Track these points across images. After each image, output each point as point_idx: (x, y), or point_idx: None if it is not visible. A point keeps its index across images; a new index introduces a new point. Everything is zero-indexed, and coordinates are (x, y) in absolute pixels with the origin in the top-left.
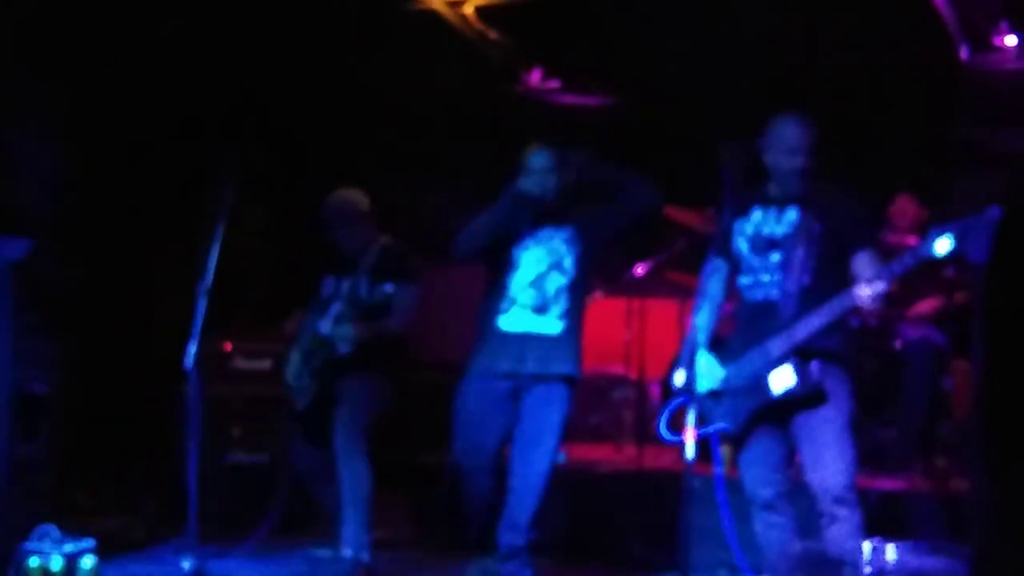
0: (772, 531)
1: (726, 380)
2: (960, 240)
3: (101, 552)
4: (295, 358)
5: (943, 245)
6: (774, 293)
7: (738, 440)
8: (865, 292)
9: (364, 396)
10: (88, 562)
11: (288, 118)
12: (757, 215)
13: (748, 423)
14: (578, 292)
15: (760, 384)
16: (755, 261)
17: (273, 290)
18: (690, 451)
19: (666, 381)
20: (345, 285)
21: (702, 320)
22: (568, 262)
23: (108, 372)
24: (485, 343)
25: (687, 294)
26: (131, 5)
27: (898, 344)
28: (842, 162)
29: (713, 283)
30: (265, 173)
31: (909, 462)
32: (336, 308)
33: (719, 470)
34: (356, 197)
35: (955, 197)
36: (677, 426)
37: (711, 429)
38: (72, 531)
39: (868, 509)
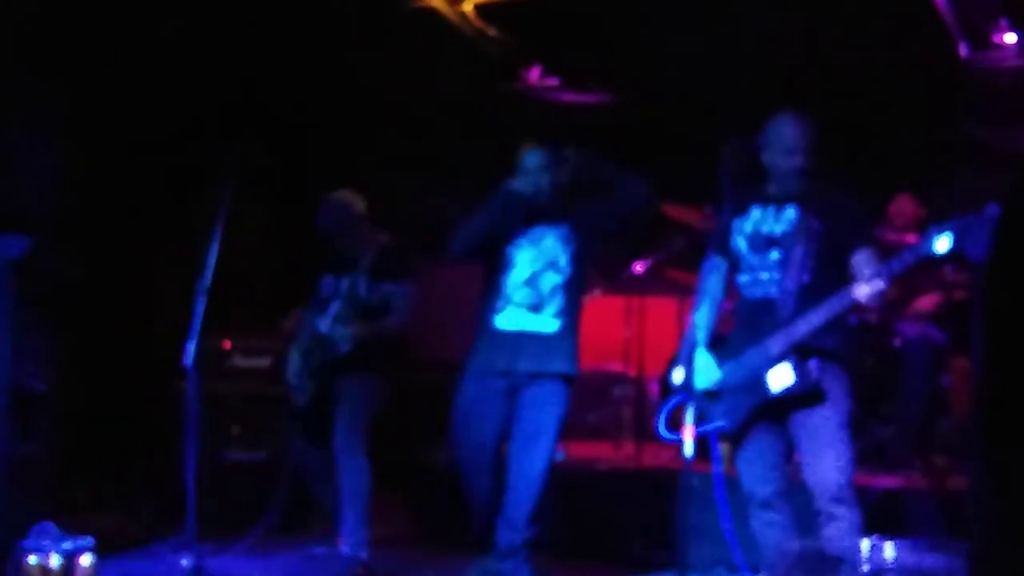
0: (770, 529)
1: (725, 378)
2: (959, 238)
3: (99, 550)
4: (294, 357)
5: (942, 243)
6: (773, 291)
7: (736, 438)
8: (864, 290)
9: (363, 395)
10: (86, 560)
11: (287, 116)
12: (756, 214)
13: (746, 421)
14: (574, 290)
15: (759, 382)
16: (754, 259)
17: (272, 289)
18: (689, 449)
19: (665, 379)
20: (344, 284)
21: (701, 318)
22: (563, 260)
23: (107, 370)
24: (481, 342)
25: (686, 292)
26: (131, 5)
27: (897, 342)
28: (842, 161)
29: (712, 281)
30: (264, 171)
31: (907, 460)
32: (335, 307)
33: (718, 468)
34: (350, 200)
35: (955, 195)
36: (676, 424)
37: (710, 427)
38: (70, 529)
39: (866, 507)
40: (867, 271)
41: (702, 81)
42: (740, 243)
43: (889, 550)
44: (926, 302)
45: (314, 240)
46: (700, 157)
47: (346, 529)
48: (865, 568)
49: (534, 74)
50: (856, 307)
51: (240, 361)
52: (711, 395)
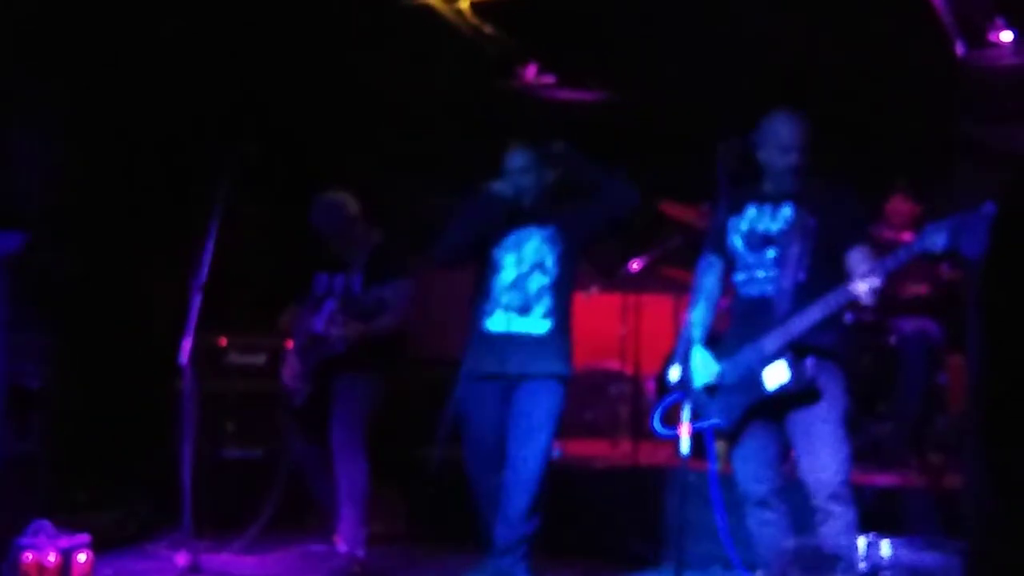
0: (765, 528)
1: (721, 376)
2: (955, 236)
3: (96, 547)
4: (291, 357)
5: (938, 240)
6: (769, 289)
7: (732, 436)
8: (862, 287)
9: (360, 394)
10: (83, 557)
11: (285, 115)
12: (752, 212)
13: (742, 419)
14: (561, 291)
15: (754, 380)
16: (750, 257)
17: (269, 286)
18: (685, 447)
19: (661, 377)
20: (338, 282)
21: (697, 316)
22: (549, 261)
23: (103, 367)
24: (472, 345)
25: (682, 290)
26: (131, 5)
27: (892, 339)
28: (840, 159)
29: (708, 279)
30: (262, 170)
31: (904, 457)
32: (330, 306)
33: (713, 466)
34: (343, 200)
35: (952, 193)
36: (672, 422)
37: (706, 425)
38: (67, 526)
39: (863, 505)
40: (862, 268)
41: (698, 78)
42: (736, 241)
43: (885, 548)
44: (919, 289)
45: (310, 237)
46: (697, 155)
47: (343, 527)
48: (861, 566)
49: (530, 72)
50: (852, 305)
51: (236, 358)
52: (707, 393)
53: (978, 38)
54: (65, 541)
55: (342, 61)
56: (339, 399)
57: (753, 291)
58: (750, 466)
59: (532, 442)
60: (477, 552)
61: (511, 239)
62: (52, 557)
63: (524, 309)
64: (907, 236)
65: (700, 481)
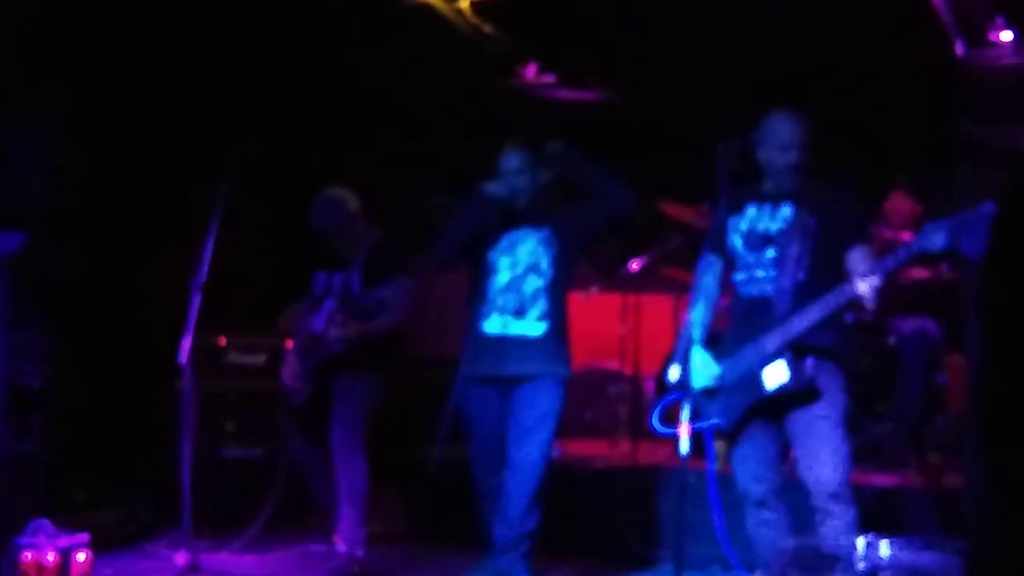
0: (764, 528)
1: (720, 376)
2: (954, 235)
3: (95, 547)
4: (291, 357)
5: (938, 240)
6: (769, 289)
7: (732, 436)
8: (863, 286)
9: (360, 394)
10: (82, 557)
11: (285, 115)
12: (751, 211)
13: (742, 419)
14: (557, 292)
15: (754, 380)
16: (750, 257)
17: (268, 286)
18: (684, 446)
19: (661, 377)
20: (337, 281)
21: (697, 316)
22: (545, 263)
23: (103, 367)
24: (470, 348)
25: (682, 290)
26: (131, 5)
27: (892, 339)
28: (840, 159)
29: (708, 279)
30: (262, 169)
31: (903, 457)
32: (329, 305)
33: (712, 466)
34: (343, 197)
35: (952, 193)
36: (671, 421)
37: (705, 425)
38: (66, 526)
39: (862, 505)
40: (862, 268)
41: (698, 78)
42: (736, 241)
43: (885, 548)
44: (916, 273)
45: (310, 236)
46: (697, 155)
47: (343, 527)
48: (861, 566)
49: (530, 71)
50: (851, 304)
51: (236, 358)
52: (707, 393)
53: (978, 38)
54: (64, 540)
55: (342, 61)
56: (339, 399)
57: (753, 291)
58: (749, 466)
59: (531, 442)
60: (477, 552)
61: (505, 241)
62: (51, 556)
63: (520, 312)
64: (907, 235)
65: (699, 481)
